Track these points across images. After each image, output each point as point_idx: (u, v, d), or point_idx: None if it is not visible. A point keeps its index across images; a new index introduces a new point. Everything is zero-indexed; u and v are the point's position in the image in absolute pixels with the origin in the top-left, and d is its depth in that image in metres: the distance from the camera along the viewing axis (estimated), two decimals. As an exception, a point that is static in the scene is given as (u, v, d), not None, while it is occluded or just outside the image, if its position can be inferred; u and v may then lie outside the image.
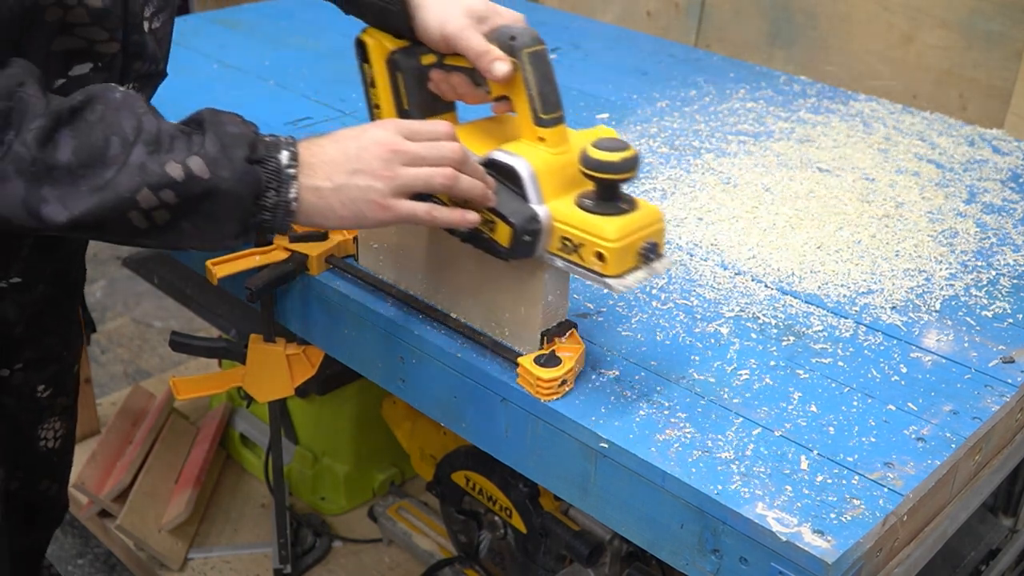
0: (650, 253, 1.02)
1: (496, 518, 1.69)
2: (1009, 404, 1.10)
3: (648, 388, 1.08)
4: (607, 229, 0.99)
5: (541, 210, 1.03)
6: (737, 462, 0.97)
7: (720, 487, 0.94)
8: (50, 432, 1.51)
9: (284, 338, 1.40)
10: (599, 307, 1.22)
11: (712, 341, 1.17)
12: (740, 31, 2.47)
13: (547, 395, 1.04)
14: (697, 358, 1.13)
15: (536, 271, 1.06)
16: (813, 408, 1.06)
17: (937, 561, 1.08)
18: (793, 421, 1.04)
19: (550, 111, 1.05)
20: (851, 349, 1.17)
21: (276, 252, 1.29)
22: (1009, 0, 2.03)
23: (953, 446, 1.02)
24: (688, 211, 1.46)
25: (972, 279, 1.32)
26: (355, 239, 1.28)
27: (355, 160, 0.99)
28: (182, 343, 1.49)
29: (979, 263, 1.36)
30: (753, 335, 1.18)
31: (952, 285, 1.31)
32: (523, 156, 1.04)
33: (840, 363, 1.14)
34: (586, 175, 1.00)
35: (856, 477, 0.96)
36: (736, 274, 1.31)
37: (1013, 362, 1.15)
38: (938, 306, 1.26)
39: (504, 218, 1.02)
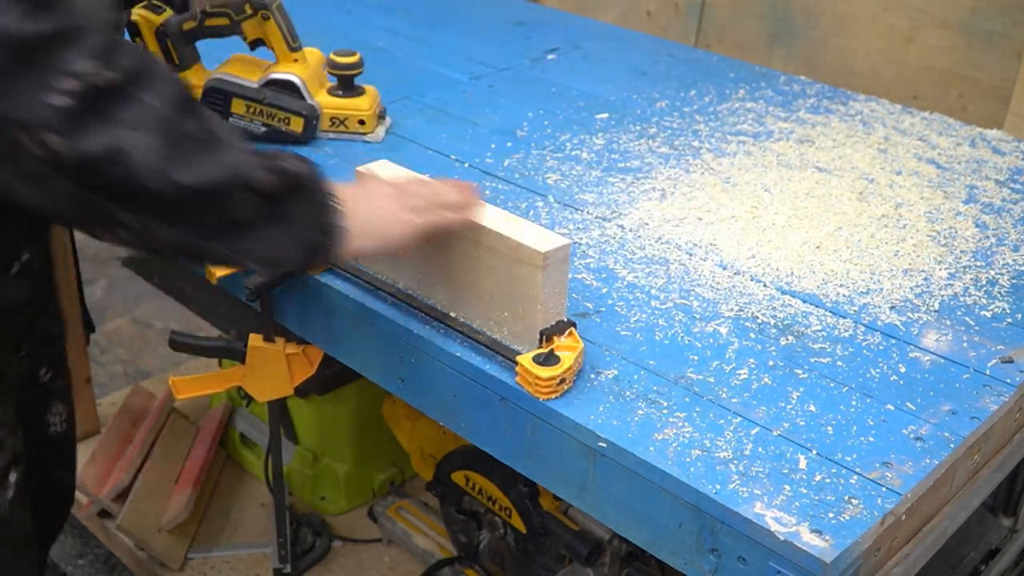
0: (383, 115, 1.63)
1: (496, 518, 1.69)
2: (1008, 404, 1.10)
3: (647, 387, 1.08)
4: (362, 104, 1.57)
5: (315, 103, 1.56)
6: (735, 461, 0.97)
7: (718, 486, 0.94)
8: (56, 416, 1.54)
9: (284, 338, 1.40)
10: (598, 307, 1.22)
11: (711, 341, 1.17)
12: (740, 31, 2.47)
13: (546, 394, 1.05)
14: (696, 357, 1.13)
15: (535, 271, 1.07)
16: (812, 408, 1.06)
17: (936, 561, 1.08)
18: (792, 420, 1.04)
19: (296, 41, 1.54)
20: (850, 349, 1.17)
21: (275, 251, 1.29)
22: (1009, 0, 2.03)
23: (952, 446, 1.02)
24: (687, 211, 1.46)
25: (971, 279, 1.32)
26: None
27: (371, 198, 1.11)
28: (182, 343, 1.50)
29: (978, 263, 1.36)
30: (752, 335, 1.18)
31: (951, 285, 1.31)
32: (292, 72, 1.54)
33: (839, 363, 1.14)
34: (333, 74, 1.56)
35: (854, 477, 0.96)
36: (735, 274, 1.31)
37: (1012, 362, 1.15)
38: (937, 306, 1.26)
39: (297, 112, 1.53)
